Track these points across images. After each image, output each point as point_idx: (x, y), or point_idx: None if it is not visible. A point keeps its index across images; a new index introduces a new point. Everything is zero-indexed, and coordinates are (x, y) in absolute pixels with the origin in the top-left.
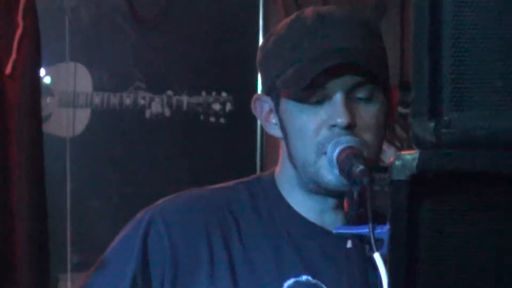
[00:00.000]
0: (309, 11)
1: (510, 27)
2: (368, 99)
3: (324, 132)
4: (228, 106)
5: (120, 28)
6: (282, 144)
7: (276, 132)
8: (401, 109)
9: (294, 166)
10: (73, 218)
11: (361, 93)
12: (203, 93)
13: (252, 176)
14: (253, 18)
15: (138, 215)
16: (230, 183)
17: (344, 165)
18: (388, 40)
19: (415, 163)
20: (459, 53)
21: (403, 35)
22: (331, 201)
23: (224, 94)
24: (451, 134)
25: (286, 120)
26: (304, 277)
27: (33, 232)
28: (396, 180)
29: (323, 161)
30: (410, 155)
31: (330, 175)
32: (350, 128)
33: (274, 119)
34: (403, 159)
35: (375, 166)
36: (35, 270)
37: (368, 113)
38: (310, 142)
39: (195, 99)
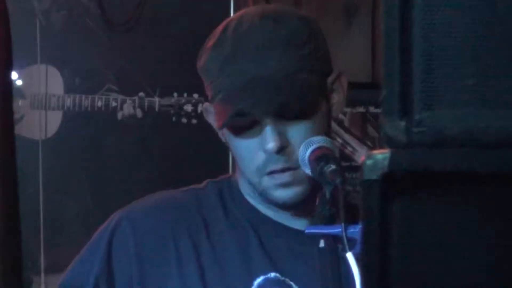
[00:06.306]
0: (230, 27)
1: (481, 26)
2: (299, 117)
3: (261, 155)
4: (200, 107)
5: (92, 31)
6: None
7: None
8: (372, 109)
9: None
10: (46, 220)
11: (288, 114)
12: (175, 94)
13: (222, 177)
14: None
15: (109, 218)
16: (202, 183)
17: (315, 165)
18: (359, 39)
19: (386, 162)
20: (430, 52)
21: (374, 35)
22: (289, 212)
23: (195, 96)
24: (422, 133)
25: (227, 139)
26: (272, 275)
27: (5, 234)
28: (367, 179)
29: (266, 182)
30: (382, 154)
31: (277, 193)
32: (281, 151)
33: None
34: (375, 158)
35: (347, 165)
36: (7, 272)
37: (299, 132)
38: (250, 166)
39: (167, 101)
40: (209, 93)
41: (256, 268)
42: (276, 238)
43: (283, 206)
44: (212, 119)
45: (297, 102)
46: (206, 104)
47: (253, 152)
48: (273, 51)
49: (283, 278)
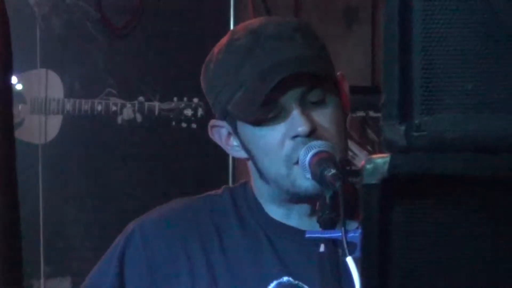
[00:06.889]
0: (240, 30)
1: (480, 31)
2: (321, 102)
3: (289, 144)
4: (200, 112)
5: (91, 35)
6: (249, 163)
7: (239, 154)
8: (372, 113)
9: (266, 182)
10: (46, 224)
11: (313, 98)
12: (175, 99)
13: (240, 182)
14: (224, 25)
15: (124, 230)
16: (219, 190)
17: (316, 169)
18: (358, 44)
19: (386, 166)
20: (429, 57)
21: (373, 39)
22: (306, 207)
23: (195, 100)
24: (422, 138)
25: (247, 142)
26: (285, 279)
27: (5, 239)
28: (367, 183)
29: (296, 171)
30: (381, 159)
31: (306, 182)
32: (311, 134)
33: (234, 142)
34: (374, 162)
35: (347, 170)
36: (8, 277)
37: (324, 116)
38: (277, 157)
39: (166, 105)
40: (218, 104)
41: (268, 273)
42: (288, 242)
43: (311, 196)
44: (218, 136)
45: (321, 85)
46: (213, 121)
47: (281, 140)
48: (293, 38)
49: (296, 282)
